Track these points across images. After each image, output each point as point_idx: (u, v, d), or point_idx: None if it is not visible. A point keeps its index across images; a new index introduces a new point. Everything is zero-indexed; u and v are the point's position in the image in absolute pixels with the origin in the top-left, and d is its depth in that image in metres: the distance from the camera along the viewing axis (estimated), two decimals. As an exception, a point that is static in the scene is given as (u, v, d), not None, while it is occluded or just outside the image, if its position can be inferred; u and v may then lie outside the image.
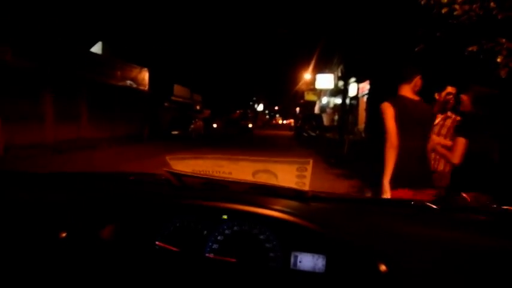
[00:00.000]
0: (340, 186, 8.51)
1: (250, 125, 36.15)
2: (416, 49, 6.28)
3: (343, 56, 25.19)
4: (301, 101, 31.66)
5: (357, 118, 24.63)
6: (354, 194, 1.63)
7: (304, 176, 1.41)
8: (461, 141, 3.04)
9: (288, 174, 1.42)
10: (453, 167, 3.26)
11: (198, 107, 33.30)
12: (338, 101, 28.05)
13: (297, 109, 33.53)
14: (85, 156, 11.47)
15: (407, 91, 3.17)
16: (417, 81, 3.17)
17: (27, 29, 12.77)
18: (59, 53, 14.30)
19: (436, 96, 3.98)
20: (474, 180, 2.90)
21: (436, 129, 3.90)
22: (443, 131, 3.94)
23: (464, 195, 2.92)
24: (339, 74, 26.97)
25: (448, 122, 3.94)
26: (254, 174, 1.44)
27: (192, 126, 23.20)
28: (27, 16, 13.62)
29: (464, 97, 3.49)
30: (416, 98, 3.19)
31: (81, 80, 15.26)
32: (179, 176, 1.36)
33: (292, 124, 40.40)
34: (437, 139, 3.55)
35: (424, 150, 3.08)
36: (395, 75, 3.25)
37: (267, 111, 63.00)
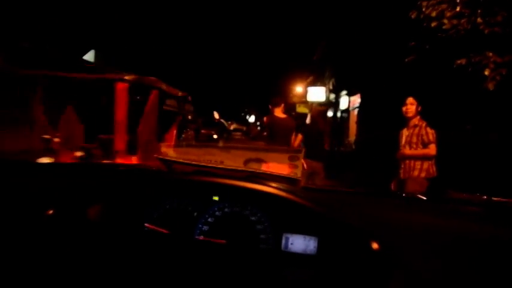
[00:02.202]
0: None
1: (215, 136, 25.19)
2: (406, 60, 6.39)
3: (334, 70, 25.50)
4: (293, 113, 31.80)
5: (347, 130, 24.78)
6: (345, 188, 1.63)
7: (296, 166, 1.42)
8: (299, 136, 5.33)
9: (280, 163, 1.42)
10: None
11: (189, 117, 33.04)
12: (329, 113, 28.22)
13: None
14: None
15: (277, 112, 5.31)
16: (283, 106, 5.39)
17: (20, 35, 12.73)
18: (52, 59, 14.25)
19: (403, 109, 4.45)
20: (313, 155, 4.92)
21: (407, 138, 4.44)
22: (414, 139, 4.37)
23: (308, 162, 4.98)
24: (331, 87, 27.20)
25: (416, 130, 4.35)
26: (246, 162, 1.44)
27: (183, 135, 23.05)
28: (21, 22, 13.59)
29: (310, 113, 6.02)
30: (283, 116, 5.37)
31: (71, 86, 15.17)
32: (169, 163, 1.36)
33: None
34: (408, 152, 4.38)
35: (283, 143, 4.99)
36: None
37: (258, 123, 63.11)
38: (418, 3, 5.72)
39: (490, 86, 5.19)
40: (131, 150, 4.52)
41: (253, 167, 1.43)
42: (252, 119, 65.93)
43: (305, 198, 1.05)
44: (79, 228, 1.11)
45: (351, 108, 23.93)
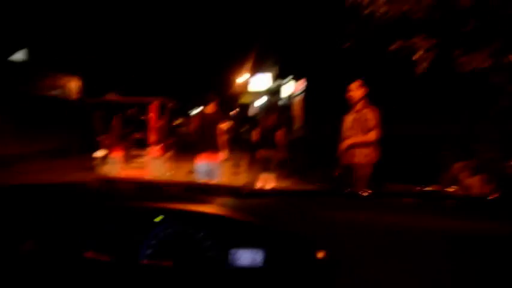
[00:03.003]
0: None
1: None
2: (343, 46, 6.56)
3: (277, 56, 25.69)
4: (237, 103, 31.82)
5: (293, 117, 25.15)
6: (287, 187, 1.67)
7: (239, 173, 1.44)
8: (256, 132, 6.39)
9: (224, 171, 1.43)
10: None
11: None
12: (275, 100, 28.48)
13: (233, 113, 33.88)
14: (8, 175, 10.50)
15: (208, 109, 5.94)
16: (214, 103, 5.95)
17: None
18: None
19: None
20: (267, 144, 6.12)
21: (350, 124, 4.60)
22: (355, 124, 4.53)
23: (262, 151, 6.12)
24: (275, 74, 27.43)
25: (359, 116, 4.52)
26: (189, 173, 1.43)
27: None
28: None
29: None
30: (211, 110, 5.93)
31: (1, 90, 14.09)
32: (111, 182, 1.31)
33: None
34: (349, 142, 4.51)
35: (212, 136, 5.69)
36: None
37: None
38: None
39: (420, 69, 5.49)
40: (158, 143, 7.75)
41: (196, 176, 1.42)
42: (196, 112, 65.06)
43: (246, 213, 1.06)
44: (10, 262, 1.04)
45: (295, 94, 24.35)
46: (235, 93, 31.47)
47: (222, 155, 5.70)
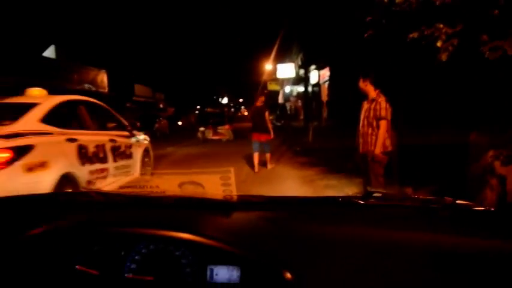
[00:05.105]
0: (305, 174, 8.67)
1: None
2: (365, 35, 6.42)
3: (302, 45, 25.42)
4: (265, 91, 31.75)
5: (321, 105, 24.95)
6: (282, 196, 1.67)
7: (229, 184, 1.46)
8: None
9: (213, 183, 1.46)
10: None
11: (161, 105, 32.77)
12: (301, 89, 28.29)
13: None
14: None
15: (257, 102, 9.09)
16: (261, 98, 9.16)
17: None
18: (9, 59, 13.72)
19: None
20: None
21: (365, 113, 4.74)
22: (371, 113, 4.67)
23: None
24: (299, 63, 27.19)
25: (373, 105, 4.64)
26: (180, 185, 1.47)
27: (156, 125, 22.89)
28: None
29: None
30: (259, 104, 9.03)
31: (35, 86, 14.72)
32: (104, 195, 1.37)
33: None
34: (378, 150, 4.58)
35: (261, 121, 8.82)
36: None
37: (231, 104, 62.80)
38: None
39: (443, 57, 5.29)
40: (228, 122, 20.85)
41: (188, 189, 1.46)
42: (225, 100, 65.31)
43: (227, 239, 1.09)
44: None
45: (321, 82, 24.07)
46: (262, 82, 31.56)
47: (270, 135, 8.85)
